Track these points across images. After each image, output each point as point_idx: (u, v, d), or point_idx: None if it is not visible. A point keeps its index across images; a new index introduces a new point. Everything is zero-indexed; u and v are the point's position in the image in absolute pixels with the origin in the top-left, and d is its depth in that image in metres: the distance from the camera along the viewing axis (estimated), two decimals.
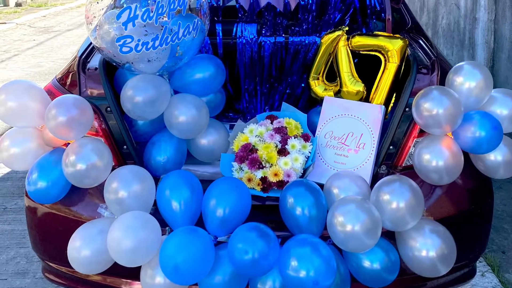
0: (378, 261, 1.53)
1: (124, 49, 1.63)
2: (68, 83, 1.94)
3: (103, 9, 1.75)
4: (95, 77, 1.85)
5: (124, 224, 1.53)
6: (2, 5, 13.49)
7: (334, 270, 1.47)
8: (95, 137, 1.76)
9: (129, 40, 1.61)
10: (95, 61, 1.92)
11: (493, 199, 1.91)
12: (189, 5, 1.71)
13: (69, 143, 1.74)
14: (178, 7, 1.64)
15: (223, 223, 1.58)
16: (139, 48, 1.63)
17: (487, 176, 1.81)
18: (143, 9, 1.58)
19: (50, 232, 1.85)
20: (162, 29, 1.62)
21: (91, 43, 1.98)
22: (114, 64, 1.79)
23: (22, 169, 1.80)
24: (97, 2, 1.75)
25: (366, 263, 1.54)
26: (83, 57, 1.96)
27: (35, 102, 1.73)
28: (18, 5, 13.72)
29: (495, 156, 1.72)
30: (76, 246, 1.58)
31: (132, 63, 1.73)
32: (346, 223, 1.48)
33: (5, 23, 10.69)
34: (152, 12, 1.59)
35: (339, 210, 1.53)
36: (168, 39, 1.64)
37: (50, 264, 1.87)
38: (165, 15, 1.63)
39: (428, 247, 1.54)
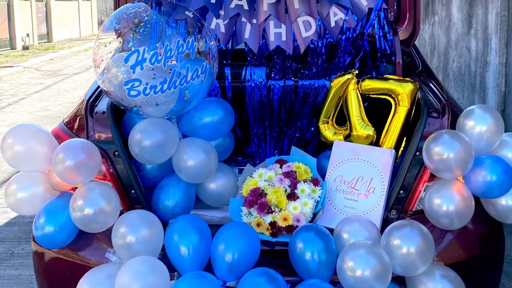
0: None
1: (132, 92, 1.64)
2: (75, 127, 1.95)
3: (110, 52, 1.78)
4: (103, 121, 1.86)
5: (132, 269, 1.51)
6: (9, 48, 13.91)
7: None
8: (103, 181, 1.75)
9: (137, 83, 1.62)
10: (102, 105, 1.94)
11: (504, 244, 1.86)
12: (198, 48, 1.73)
13: (76, 188, 1.73)
14: (187, 50, 1.66)
15: (232, 268, 1.55)
16: (147, 92, 1.64)
17: (498, 220, 1.76)
18: (151, 52, 1.60)
19: (58, 277, 1.82)
20: (170, 73, 1.64)
21: (98, 86, 2.01)
22: (122, 107, 1.81)
23: (29, 213, 1.80)
24: (105, 46, 1.78)
25: None
26: (90, 100, 1.98)
27: (42, 146, 1.74)
28: (25, 48, 14.12)
29: (507, 201, 1.69)
30: None
31: (140, 106, 1.74)
32: (356, 268, 1.46)
33: (12, 66, 10.77)
34: (160, 55, 1.61)
35: (349, 255, 1.50)
36: (177, 83, 1.66)
37: None
38: (173, 58, 1.65)
39: None
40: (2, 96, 7.98)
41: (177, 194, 1.84)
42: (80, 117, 1.95)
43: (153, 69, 1.63)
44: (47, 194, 1.75)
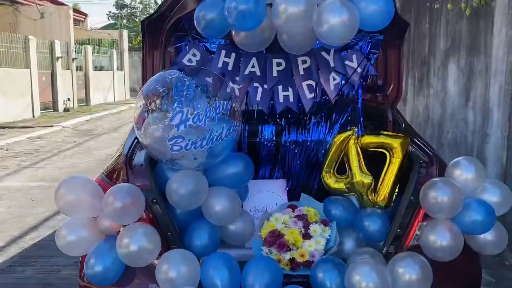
0: None
1: (175, 147, 1.93)
2: (115, 177, 2.21)
3: (150, 112, 2.07)
4: (141, 172, 2.13)
5: None
6: (52, 110, 15.66)
7: None
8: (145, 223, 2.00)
9: (180, 140, 1.92)
10: (139, 158, 2.21)
11: (481, 269, 2.21)
12: (229, 109, 2.04)
13: (119, 232, 1.98)
14: (223, 111, 1.98)
15: None
16: (188, 147, 1.93)
17: (477, 251, 2.09)
18: (194, 113, 1.90)
19: None
20: (209, 131, 1.94)
21: (133, 142, 2.29)
22: (158, 160, 2.09)
23: (78, 255, 2.02)
24: (145, 107, 2.06)
25: None
26: (128, 154, 2.25)
27: (90, 195, 1.99)
28: (66, 110, 15.94)
29: (485, 236, 2.02)
30: None
31: (177, 160, 2.03)
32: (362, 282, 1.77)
33: (52, 126, 12.21)
34: (201, 115, 1.92)
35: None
36: (214, 139, 1.96)
37: None
38: (212, 118, 1.95)
39: None
40: (38, 152, 8.73)
41: (206, 235, 2.10)
42: (119, 169, 2.21)
43: (195, 128, 1.92)
44: (94, 238, 1.99)
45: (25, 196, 5.72)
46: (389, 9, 1.93)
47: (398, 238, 2.08)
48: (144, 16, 30.80)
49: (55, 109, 15.77)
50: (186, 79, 2.02)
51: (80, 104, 17.99)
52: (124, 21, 31.72)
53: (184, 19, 2.35)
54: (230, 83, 2.49)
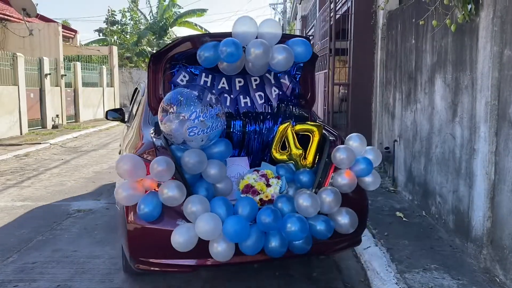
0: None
1: (191, 133, 3.20)
2: (145, 156, 3.38)
3: (171, 113, 3.30)
4: (164, 151, 3.35)
5: (206, 217, 3.02)
6: (40, 127, 15.68)
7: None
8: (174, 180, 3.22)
9: (195, 128, 3.19)
10: (158, 143, 3.42)
11: (367, 199, 3.73)
12: (220, 111, 3.35)
13: (155, 189, 3.19)
14: (217, 112, 3.29)
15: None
16: (199, 133, 3.21)
17: (364, 188, 3.59)
18: (203, 112, 3.19)
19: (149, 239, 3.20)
20: (211, 123, 3.23)
21: (151, 134, 3.52)
22: (173, 142, 3.33)
23: (130, 204, 3.19)
24: (166, 110, 3.30)
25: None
26: (153, 141, 3.46)
27: (138, 168, 3.18)
28: (54, 127, 15.97)
29: (368, 178, 3.54)
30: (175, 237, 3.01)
31: (188, 142, 3.29)
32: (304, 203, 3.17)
33: (40, 143, 12.05)
34: (207, 114, 3.21)
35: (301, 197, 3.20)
36: (214, 129, 3.26)
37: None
38: (212, 116, 3.25)
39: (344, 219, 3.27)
40: (24, 170, 8.70)
41: (207, 188, 3.39)
42: (147, 151, 3.39)
43: (203, 121, 3.21)
44: (139, 193, 3.18)
45: (9, 216, 5.70)
46: (309, 50, 3.41)
47: (320, 184, 3.53)
48: (133, 32, 31.82)
49: (44, 126, 15.80)
50: (194, 92, 3.31)
51: (69, 121, 18.00)
52: (115, 37, 31.31)
53: (177, 54, 3.62)
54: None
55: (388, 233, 4.64)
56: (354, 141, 3.57)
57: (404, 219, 5.15)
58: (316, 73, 9.75)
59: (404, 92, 6.22)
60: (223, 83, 3.84)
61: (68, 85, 18.34)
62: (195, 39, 3.47)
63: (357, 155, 3.52)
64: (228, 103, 3.84)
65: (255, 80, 3.90)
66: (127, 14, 32.83)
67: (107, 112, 5.89)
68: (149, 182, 3.19)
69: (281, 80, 3.97)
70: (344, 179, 3.42)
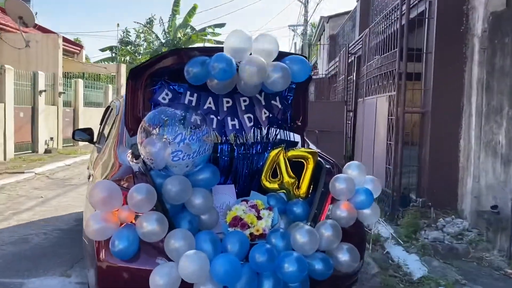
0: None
1: (175, 158, 2.82)
2: (122, 182, 2.96)
3: (153, 135, 2.91)
4: (142, 177, 2.95)
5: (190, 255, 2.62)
6: (30, 151, 13.47)
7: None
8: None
9: (180, 153, 2.81)
10: (136, 168, 3.02)
11: (365, 231, 3.42)
12: (208, 134, 2.99)
13: (132, 222, 2.77)
14: (205, 134, 2.92)
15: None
16: (184, 158, 2.83)
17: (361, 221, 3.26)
18: (190, 133, 2.82)
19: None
20: (198, 147, 2.86)
21: (128, 157, 3.11)
22: (151, 167, 2.93)
23: (102, 239, 2.75)
24: (146, 131, 2.91)
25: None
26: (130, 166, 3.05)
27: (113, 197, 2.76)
28: (47, 151, 13.82)
29: (366, 211, 3.23)
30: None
31: (170, 167, 2.90)
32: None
33: (23, 172, 10.07)
34: (193, 136, 2.84)
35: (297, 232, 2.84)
36: (200, 153, 2.89)
37: None
38: (199, 139, 2.88)
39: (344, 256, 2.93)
40: None
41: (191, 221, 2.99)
42: (123, 177, 2.98)
43: (188, 145, 2.84)
44: (113, 226, 2.76)
45: None
46: (308, 69, 3.12)
47: (315, 216, 3.19)
48: (144, 53, 30.63)
49: (35, 150, 13.92)
50: (179, 112, 2.94)
51: (65, 145, 15.90)
52: (128, 57, 30.15)
53: (161, 69, 3.25)
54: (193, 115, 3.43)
55: None
56: (353, 170, 3.26)
57: None
58: (368, 98, 8.60)
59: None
60: (210, 103, 3.49)
61: (67, 104, 16.66)
62: (182, 53, 3.11)
63: (357, 185, 3.21)
64: (214, 125, 3.49)
65: (244, 100, 3.57)
66: (141, 35, 32.21)
67: (74, 131, 5.40)
68: (125, 214, 2.78)
69: (272, 102, 3.65)
70: (343, 211, 3.10)
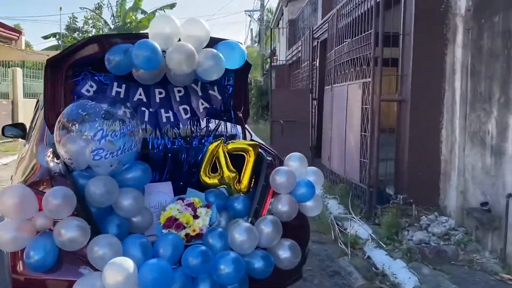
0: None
1: (97, 157, 2.55)
2: (39, 186, 2.68)
3: (70, 131, 2.62)
4: (62, 180, 2.67)
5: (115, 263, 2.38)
6: None
7: None
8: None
9: (101, 151, 2.55)
10: (56, 169, 2.73)
11: (309, 224, 3.25)
12: (135, 128, 2.73)
13: (51, 229, 2.50)
14: (131, 129, 2.66)
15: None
16: (107, 156, 2.57)
17: (303, 213, 3.10)
18: (112, 129, 2.55)
19: None
20: (122, 144, 2.60)
21: (48, 157, 2.81)
22: (74, 168, 2.65)
23: (14, 250, 2.46)
24: (64, 127, 2.61)
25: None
26: (47, 167, 2.76)
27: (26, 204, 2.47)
28: None
29: (309, 203, 3.07)
30: None
31: (93, 167, 2.63)
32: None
33: None
34: (117, 132, 2.58)
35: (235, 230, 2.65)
36: (125, 151, 2.63)
37: None
38: (124, 135, 2.62)
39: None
40: None
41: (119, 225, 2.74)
42: (41, 180, 2.69)
43: (111, 142, 2.57)
44: (31, 234, 2.47)
45: None
46: (242, 54, 2.91)
47: (257, 211, 3.00)
48: None
49: None
50: (101, 105, 2.66)
51: (3, 141, 13.85)
52: None
53: (82, 59, 2.95)
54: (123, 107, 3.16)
55: None
56: (294, 161, 3.09)
57: None
58: (337, 85, 7.74)
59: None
60: (140, 95, 3.22)
61: (4, 95, 15.00)
62: (102, 40, 2.83)
63: (298, 177, 3.04)
64: (146, 118, 3.22)
65: (179, 91, 3.32)
66: (90, 21, 30.85)
67: (3, 127, 4.98)
68: (41, 221, 2.50)
69: (210, 92, 3.42)
70: (284, 205, 2.92)
